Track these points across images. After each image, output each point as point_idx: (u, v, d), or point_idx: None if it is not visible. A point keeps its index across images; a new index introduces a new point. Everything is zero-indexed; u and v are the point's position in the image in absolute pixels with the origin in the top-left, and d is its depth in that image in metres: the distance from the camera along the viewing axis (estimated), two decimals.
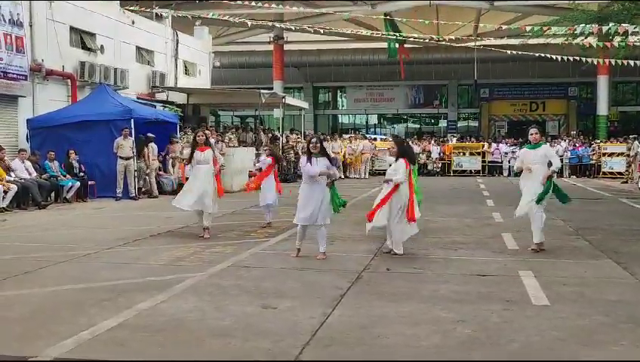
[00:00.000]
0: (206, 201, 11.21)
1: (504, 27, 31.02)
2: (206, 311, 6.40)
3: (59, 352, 5.21)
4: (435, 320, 6.13)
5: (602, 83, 39.75)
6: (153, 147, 19.90)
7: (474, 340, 5.58)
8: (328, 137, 31.29)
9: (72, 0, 21.40)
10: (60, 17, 20.68)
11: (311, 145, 9.32)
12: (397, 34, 35.60)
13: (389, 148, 9.79)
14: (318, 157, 9.24)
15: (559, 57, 25.67)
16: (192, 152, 11.39)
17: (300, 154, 27.71)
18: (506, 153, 31.79)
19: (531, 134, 10.17)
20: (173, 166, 20.48)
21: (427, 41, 35.84)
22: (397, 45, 39.45)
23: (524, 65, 43.21)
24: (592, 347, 5.46)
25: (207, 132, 14.78)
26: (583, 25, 19.82)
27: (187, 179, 11.62)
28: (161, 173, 20.36)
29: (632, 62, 25.51)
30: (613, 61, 25.28)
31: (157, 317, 6.19)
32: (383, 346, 5.46)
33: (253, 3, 26.36)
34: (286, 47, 44.25)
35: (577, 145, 31.89)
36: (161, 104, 25.89)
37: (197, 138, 11.53)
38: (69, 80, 21.15)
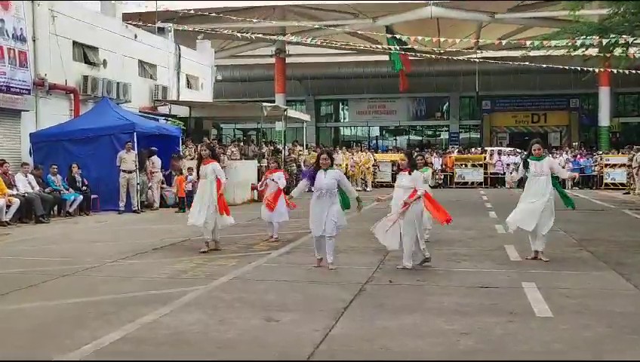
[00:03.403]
0: (212, 218, 11.14)
1: (504, 41, 31.15)
2: (209, 325, 6.40)
3: None
4: (439, 333, 6.12)
5: (604, 94, 39.86)
6: (155, 160, 19.95)
7: (477, 352, 5.57)
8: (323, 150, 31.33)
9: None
10: (62, 32, 20.80)
11: (321, 160, 9.39)
12: (402, 47, 35.82)
13: (400, 160, 9.52)
14: (329, 170, 9.36)
15: (561, 67, 25.77)
16: (198, 167, 11.48)
17: (303, 166, 27.80)
18: (508, 165, 31.81)
19: (535, 149, 10.18)
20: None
21: (429, 56, 35.99)
22: (400, 58, 39.70)
23: (525, 77, 43.33)
24: (596, 359, 5.45)
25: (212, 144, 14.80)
26: (584, 37, 19.85)
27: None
28: (164, 186, 20.38)
29: (633, 72, 25.63)
30: (614, 72, 25.32)
31: (160, 331, 6.19)
32: (386, 358, 5.45)
33: (254, 19, 26.51)
34: (288, 60, 44.41)
35: (579, 156, 31.93)
36: (164, 117, 25.95)
37: (201, 152, 11.60)
38: (71, 94, 21.26)
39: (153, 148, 19.99)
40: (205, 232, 11.16)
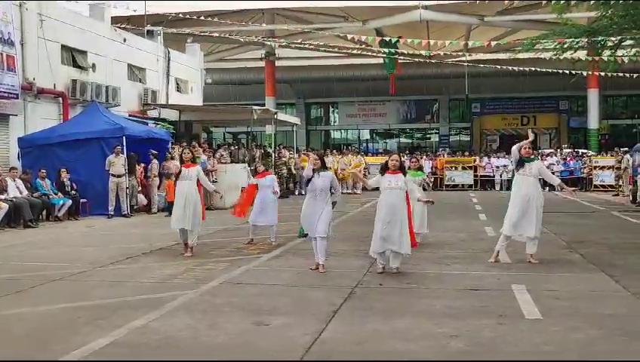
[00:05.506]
0: (190, 220, 11.08)
1: (493, 43, 31.26)
2: (199, 329, 6.37)
3: None
4: (429, 336, 6.12)
5: (593, 96, 40.10)
6: (155, 164, 19.92)
7: (467, 355, 5.57)
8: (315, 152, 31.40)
9: None
10: (51, 35, 20.71)
11: (312, 161, 9.57)
12: (394, 50, 36.00)
13: (394, 161, 9.28)
14: (321, 172, 9.49)
15: (550, 69, 25.85)
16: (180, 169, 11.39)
17: (293, 170, 27.80)
18: (498, 167, 31.92)
19: (524, 147, 10.28)
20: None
21: (418, 60, 36.08)
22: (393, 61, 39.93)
23: (514, 79, 43.46)
24: (588, 359, 5.47)
25: (197, 149, 14.77)
26: (572, 39, 19.94)
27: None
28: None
29: (622, 75, 25.74)
30: (603, 74, 25.46)
31: (150, 336, 6.16)
32: (377, 359, 5.47)
33: (243, 23, 26.53)
34: (277, 63, 44.41)
35: (568, 158, 32.07)
36: (153, 121, 25.89)
37: (183, 156, 11.50)
38: (60, 98, 21.16)
39: (154, 151, 19.99)
40: (182, 234, 11.21)
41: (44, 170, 17.51)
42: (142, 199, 19.78)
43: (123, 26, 26.91)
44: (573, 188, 11.32)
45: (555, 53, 21.01)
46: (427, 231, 12.27)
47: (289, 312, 7.06)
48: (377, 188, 9.41)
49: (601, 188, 29.36)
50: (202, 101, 32.42)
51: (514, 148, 10.46)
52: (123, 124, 19.48)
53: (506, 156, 31.75)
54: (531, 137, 10.55)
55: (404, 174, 9.34)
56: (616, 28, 19.67)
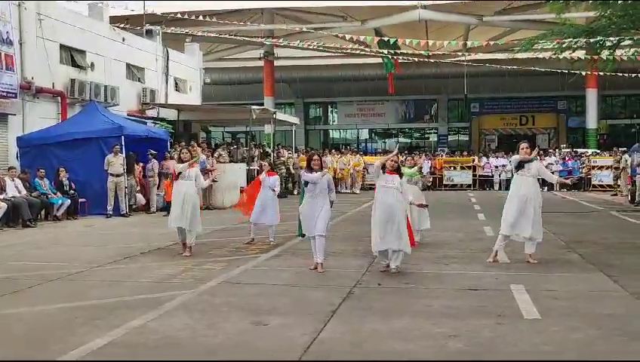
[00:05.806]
0: (188, 219, 11.07)
1: (492, 43, 31.29)
2: (197, 329, 6.36)
3: None
4: (428, 336, 6.11)
5: (591, 96, 40.13)
6: (154, 164, 19.91)
7: (466, 355, 5.57)
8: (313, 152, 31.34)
9: None
10: (49, 35, 20.67)
11: (312, 161, 9.58)
12: (392, 51, 36.03)
13: (392, 161, 9.32)
14: (319, 171, 9.56)
15: (548, 69, 25.87)
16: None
17: (292, 170, 27.80)
18: (497, 167, 31.92)
19: (522, 148, 10.28)
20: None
21: (417, 60, 36.12)
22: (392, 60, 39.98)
23: (513, 79, 43.50)
24: (587, 359, 5.47)
25: (197, 148, 14.78)
26: (571, 39, 19.94)
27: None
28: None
29: (620, 75, 25.74)
30: (602, 74, 25.47)
31: (148, 335, 6.15)
32: (376, 359, 5.46)
33: (242, 23, 26.52)
34: (276, 63, 44.39)
35: (567, 158, 32.08)
36: (152, 121, 25.85)
37: (181, 155, 11.47)
38: (59, 97, 21.12)
39: (153, 151, 19.96)
40: (180, 233, 11.19)
41: (42, 170, 17.48)
42: (140, 199, 19.78)
43: (122, 25, 26.88)
44: (570, 178, 11.32)
45: (553, 53, 21.02)
46: (429, 227, 12.32)
47: (288, 312, 7.05)
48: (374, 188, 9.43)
49: (600, 188, 29.35)
50: (201, 100, 32.39)
51: (516, 157, 10.46)
52: (122, 124, 19.45)
53: (505, 156, 31.80)
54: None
55: (401, 176, 9.34)
56: (614, 28, 19.66)
